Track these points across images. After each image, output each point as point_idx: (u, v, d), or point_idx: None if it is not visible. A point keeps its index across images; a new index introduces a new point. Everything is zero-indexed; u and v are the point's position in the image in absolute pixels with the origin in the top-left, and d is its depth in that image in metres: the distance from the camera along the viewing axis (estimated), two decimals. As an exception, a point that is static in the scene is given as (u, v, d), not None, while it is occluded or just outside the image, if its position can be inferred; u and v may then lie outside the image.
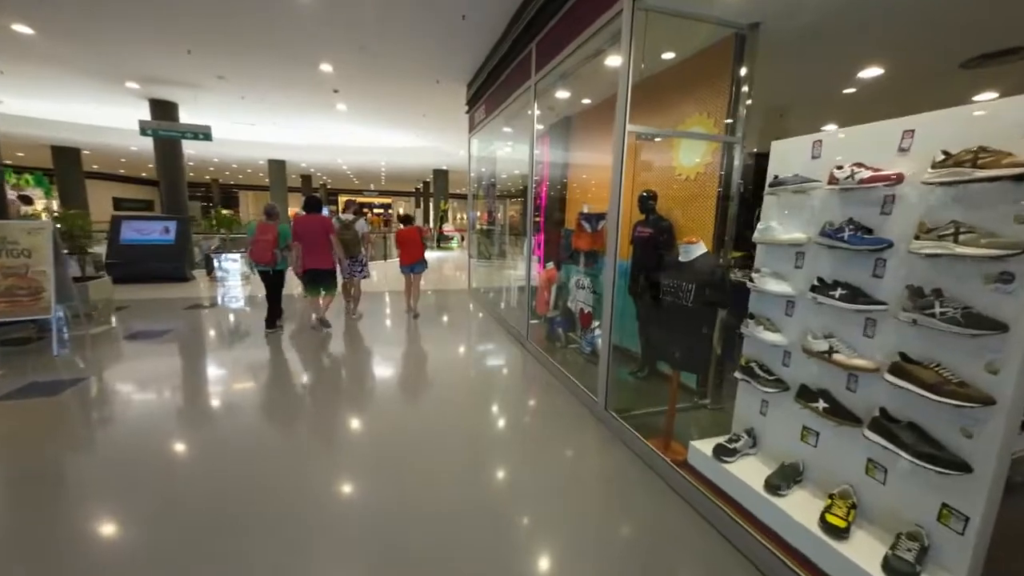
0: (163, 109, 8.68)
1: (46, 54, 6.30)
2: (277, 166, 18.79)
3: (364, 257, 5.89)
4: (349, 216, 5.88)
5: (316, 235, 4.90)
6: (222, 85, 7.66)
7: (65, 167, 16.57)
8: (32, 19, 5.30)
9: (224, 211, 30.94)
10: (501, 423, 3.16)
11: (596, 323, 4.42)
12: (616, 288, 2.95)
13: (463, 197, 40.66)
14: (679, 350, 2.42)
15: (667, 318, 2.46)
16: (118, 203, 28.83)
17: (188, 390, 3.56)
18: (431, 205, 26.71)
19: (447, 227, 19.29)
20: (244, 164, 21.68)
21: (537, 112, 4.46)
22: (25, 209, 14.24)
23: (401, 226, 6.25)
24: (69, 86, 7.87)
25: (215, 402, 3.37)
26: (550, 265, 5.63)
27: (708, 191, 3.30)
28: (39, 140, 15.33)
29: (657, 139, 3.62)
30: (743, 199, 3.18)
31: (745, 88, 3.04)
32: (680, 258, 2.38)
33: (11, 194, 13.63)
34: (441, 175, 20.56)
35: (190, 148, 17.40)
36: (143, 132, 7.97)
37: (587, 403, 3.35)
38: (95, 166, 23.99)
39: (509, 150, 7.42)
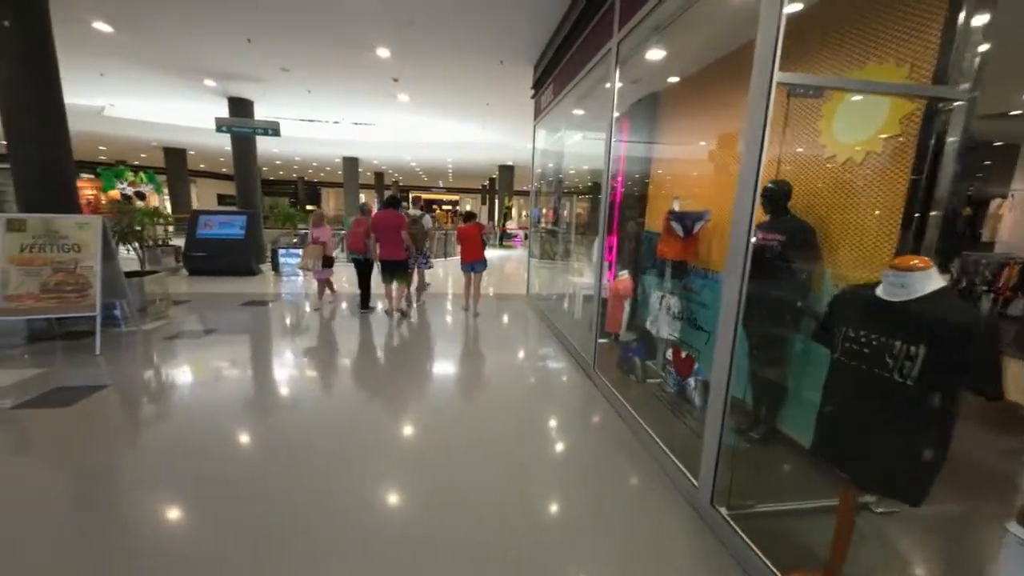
0: (240, 107, 8.93)
1: (126, 52, 6.53)
2: (350, 163, 19.43)
3: (428, 251, 6.38)
4: (416, 212, 6.11)
5: (391, 230, 5.33)
6: (287, 78, 7.59)
7: (174, 166, 18.48)
8: (109, 15, 5.40)
9: (308, 207, 33.06)
10: (545, 501, 2.30)
11: (697, 365, 3.38)
12: (724, 316, 1.95)
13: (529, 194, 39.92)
14: (875, 460, 1.38)
15: (852, 398, 1.43)
16: (222, 199, 32.18)
17: (211, 402, 3.17)
18: (496, 202, 26.39)
19: (510, 225, 18.68)
20: (323, 162, 22.87)
21: (618, 83, 3.51)
22: (140, 204, 16.09)
23: (462, 223, 6.15)
24: (156, 85, 8.29)
25: (234, 415, 2.93)
26: (624, 274, 4.59)
27: (888, 181, 2.16)
28: (153, 142, 17.16)
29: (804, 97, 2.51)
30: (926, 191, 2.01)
31: (981, 18, 1.87)
32: (882, 294, 1.34)
33: (129, 189, 15.39)
34: (507, 171, 20.01)
35: (275, 147, 18.55)
36: (219, 128, 8.20)
37: (679, 483, 2.37)
38: (202, 165, 26.82)
39: (579, 138, 6.47)
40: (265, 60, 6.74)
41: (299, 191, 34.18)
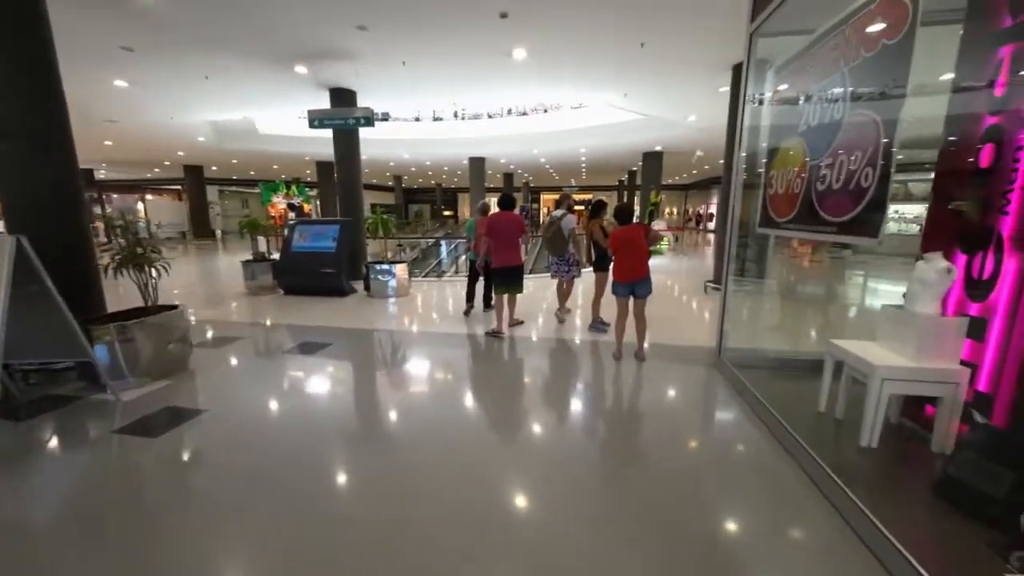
0: (342, 99, 7.75)
1: (211, 37, 5.48)
2: (476, 164, 18.23)
3: (572, 256, 5.17)
4: (559, 212, 5.12)
5: (507, 232, 4.65)
6: (373, 47, 5.84)
7: (324, 179, 19.89)
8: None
9: (445, 212, 34.10)
10: None
11: None
12: None
13: (679, 188, 34.51)
14: None
15: None
16: (373, 209, 35.41)
17: None
18: (636, 199, 22.59)
19: (658, 224, 14.97)
20: (453, 166, 22.44)
21: None
22: (291, 215, 17.43)
23: (615, 223, 4.17)
24: (257, 82, 7.52)
25: None
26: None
27: None
28: (307, 156, 18.48)
29: None
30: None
31: None
32: None
33: (282, 202, 16.66)
34: (653, 159, 16.33)
35: (405, 152, 18.44)
36: (311, 123, 7.02)
37: None
38: (356, 178, 29.53)
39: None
40: (336, 17, 5.02)
41: (437, 198, 35.75)
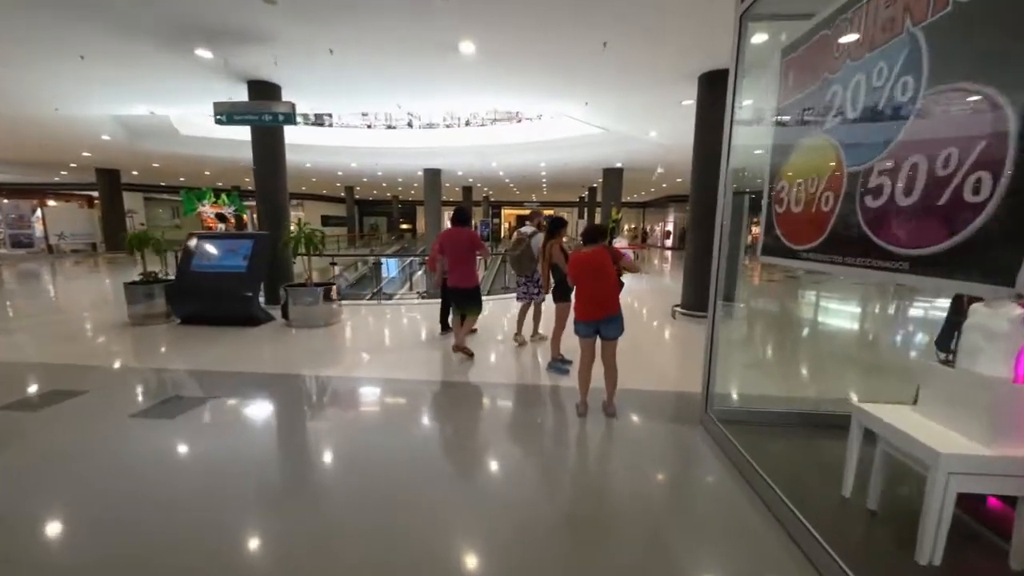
0: (262, 93, 6.60)
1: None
2: (432, 176, 17.29)
3: (540, 277, 4.47)
4: (528, 229, 4.75)
5: (461, 249, 4.34)
6: (288, 26, 4.85)
7: (264, 187, 18.18)
8: None
9: (403, 226, 32.54)
10: None
11: None
12: None
13: (637, 206, 34.97)
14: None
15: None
16: (325, 220, 33.21)
17: None
18: (596, 216, 22.46)
19: (619, 242, 14.62)
20: (408, 177, 21.35)
21: None
22: (220, 226, 15.62)
23: (579, 244, 3.40)
24: (152, 70, 6.23)
25: None
26: None
27: None
28: (242, 163, 16.70)
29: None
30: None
31: None
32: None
33: (209, 211, 14.88)
34: (613, 176, 16.08)
35: (352, 162, 17.17)
36: (218, 117, 5.85)
37: None
38: (303, 188, 27.57)
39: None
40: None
41: (393, 211, 34.26)
